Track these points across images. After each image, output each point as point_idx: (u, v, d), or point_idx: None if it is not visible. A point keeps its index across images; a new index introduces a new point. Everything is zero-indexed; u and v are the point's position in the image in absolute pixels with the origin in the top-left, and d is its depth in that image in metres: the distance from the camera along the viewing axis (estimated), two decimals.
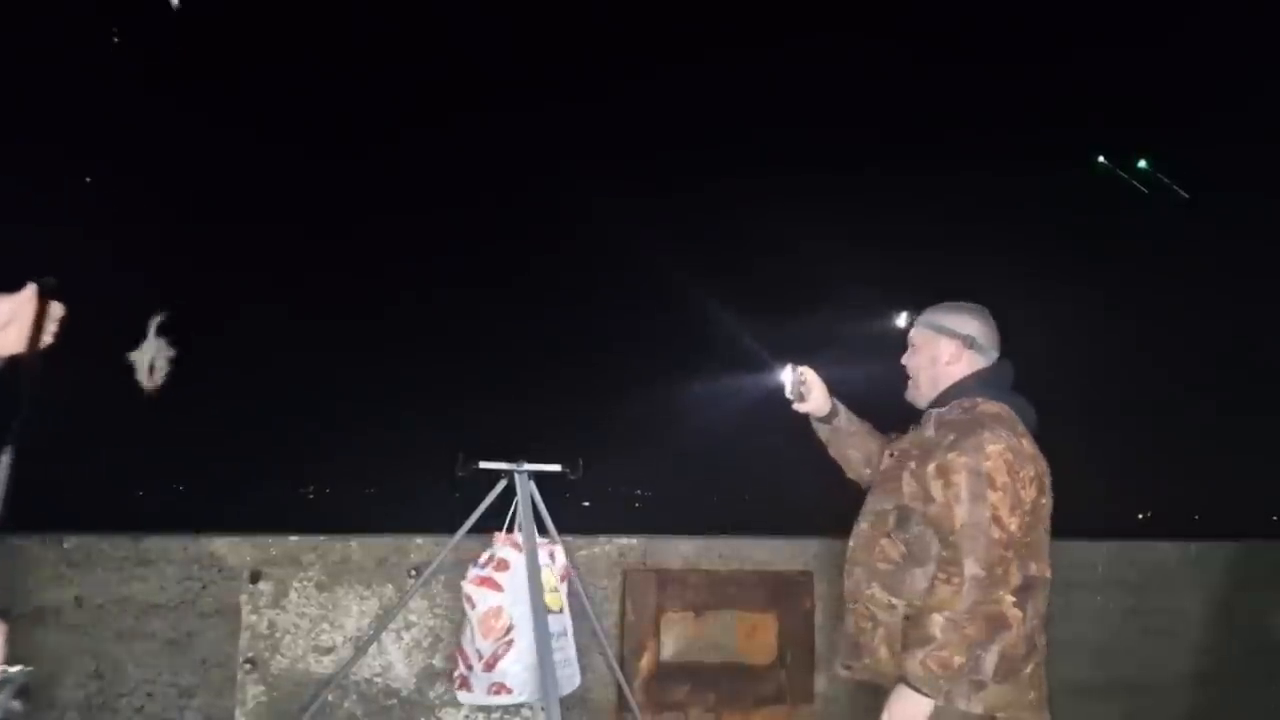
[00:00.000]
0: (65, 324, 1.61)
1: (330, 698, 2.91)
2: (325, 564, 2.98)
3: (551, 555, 2.88)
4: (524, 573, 2.74)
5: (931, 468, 2.18)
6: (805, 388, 2.53)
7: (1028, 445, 2.18)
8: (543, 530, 2.89)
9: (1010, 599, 2.05)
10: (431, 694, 3.02)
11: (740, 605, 3.25)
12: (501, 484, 2.89)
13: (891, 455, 2.39)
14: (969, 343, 2.34)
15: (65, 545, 2.76)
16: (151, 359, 1.80)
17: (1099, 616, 3.68)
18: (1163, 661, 3.76)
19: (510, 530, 2.86)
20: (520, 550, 2.79)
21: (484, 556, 2.83)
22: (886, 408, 2.57)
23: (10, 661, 1.41)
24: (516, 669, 2.72)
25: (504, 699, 2.75)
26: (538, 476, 2.91)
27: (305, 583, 2.95)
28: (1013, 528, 2.07)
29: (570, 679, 2.84)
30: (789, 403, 2.56)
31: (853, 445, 2.58)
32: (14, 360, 1.55)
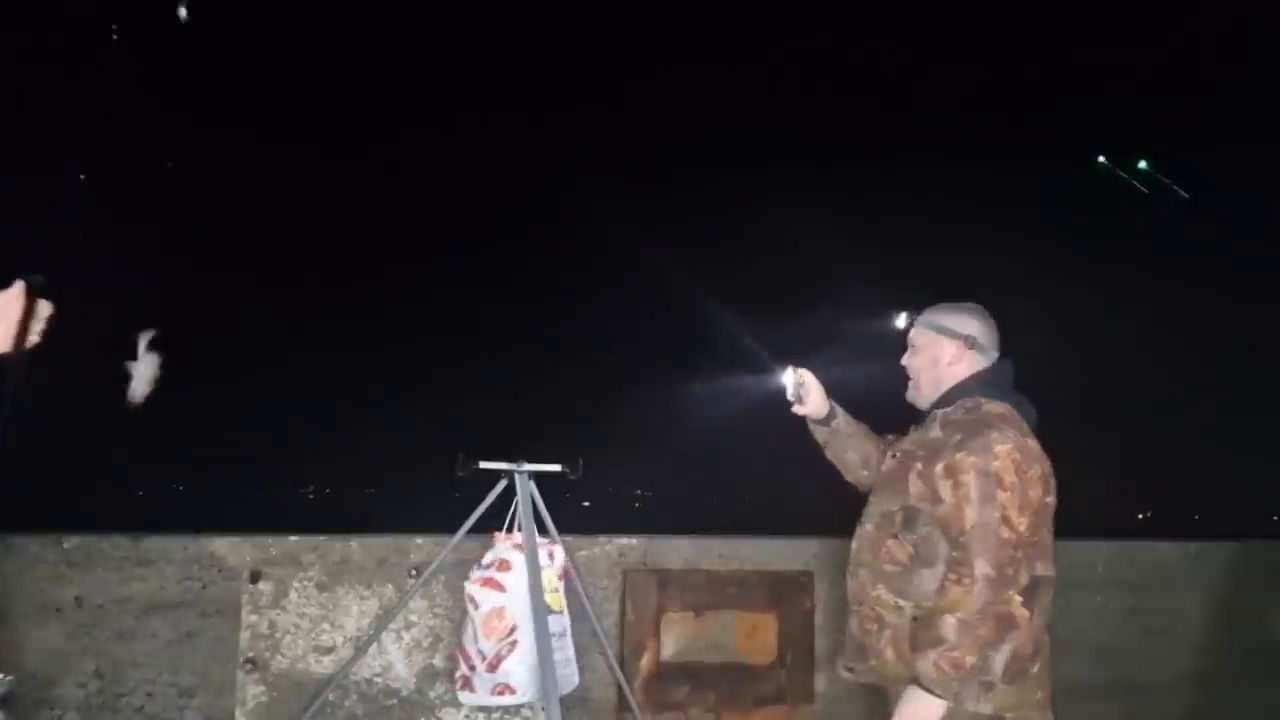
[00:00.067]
0: (53, 322, 1.57)
1: (330, 698, 2.91)
2: (325, 564, 2.98)
3: (551, 555, 2.88)
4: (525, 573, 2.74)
5: (939, 468, 2.17)
6: (804, 390, 2.53)
7: (1034, 445, 2.18)
8: (543, 530, 2.89)
9: (1018, 599, 2.05)
10: (431, 694, 3.02)
11: (740, 605, 3.25)
12: (501, 484, 2.89)
13: (894, 456, 2.38)
14: (970, 343, 2.34)
15: (65, 545, 2.76)
16: (141, 373, 1.79)
17: (1099, 616, 3.68)
18: (1163, 661, 3.76)
19: (510, 530, 2.86)
20: (522, 550, 2.79)
21: (488, 557, 2.83)
22: (886, 408, 2.57)
23: (5, 664, 1.40)
24: (521, 670, 2.72)
25: (508, 699, 2.75)
26: (538, 476, 2.91)
27: (305, 583, 2.96)
28: (1022, 527, 2.06)
29: (569, 679, 2.84)
30: (789, 404, 2.56)
31: (850, 447, 2.57)
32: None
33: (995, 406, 2.24)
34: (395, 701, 2.99)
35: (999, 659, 2.02)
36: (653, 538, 3.29)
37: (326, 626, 2.96)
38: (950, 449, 2.17)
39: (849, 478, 2.61)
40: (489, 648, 2.72)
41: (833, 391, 2.57)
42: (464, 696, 2.83)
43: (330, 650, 2.95)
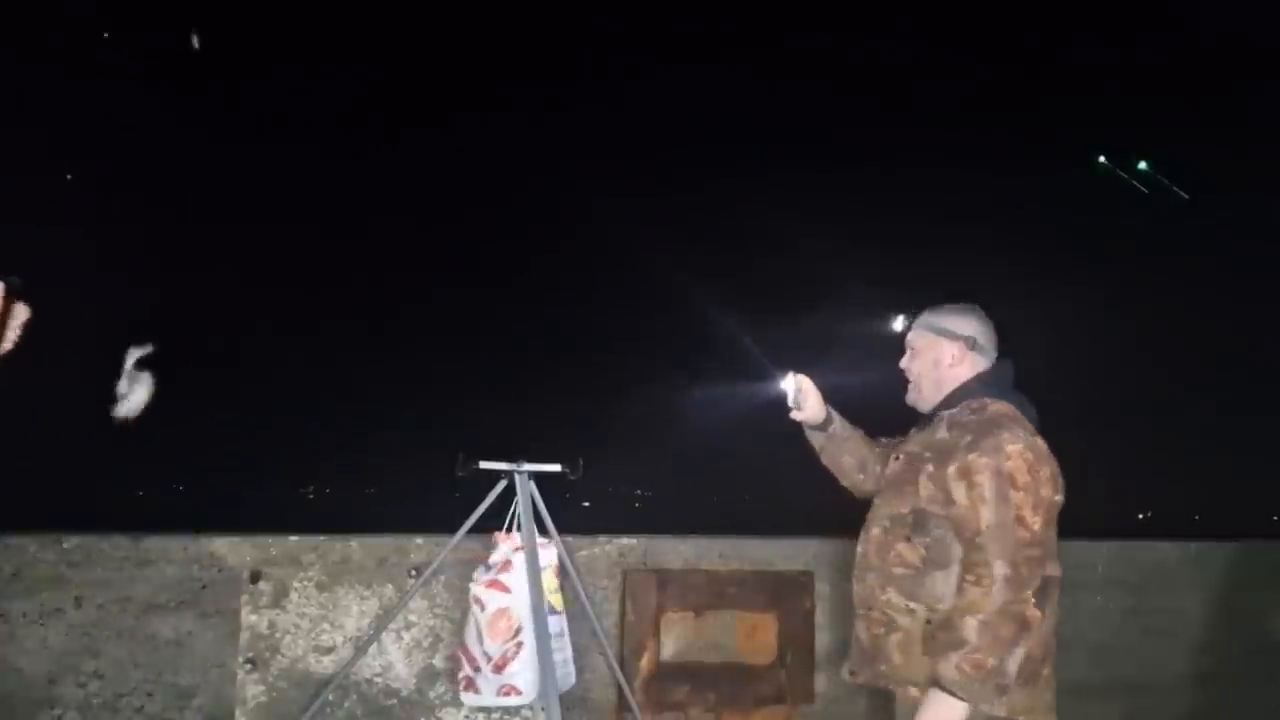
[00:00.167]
0: (30, 326, 1.48)
1: (330, 698, 2.91)
2: (325, 564, 2.98)
3: (555, 556, 2.89)
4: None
5: (952, 470, 2.16)
6: (801, 396, 2.53)
7: (1042, 444, 2.18)
8: (543, 530, 2.89)
9: (1032, 600, 2.05)
10: (431, 694, 3.02)
11: (740, 605, 3.25)
12: (501, 484, 2.89)
13: (898, 458, 2.37)
14: (971, 344, 2.34)
15: (65, 545, 2.75)
16: (129, 400, 1.78)
17: (1099, 616, 3.68)
18: (1163, 661, 3.76)
19: (510, 530, 2.86)
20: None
21: (494, 558, 2.83)
22: (886, 409, 2.57)
23: (5, 664, 1.39)
24: (526, 671, 2.71)
25: (513, 700, 2.75)
26: (538, 476, 2.91)
27: (305, 583, 2.96)
28: (1036, 526, 2.06)
29: (566, 678, 2.85)
30: (789, 410, 2.56)
31: (847, 451, 2.57)
32: None
33: (1001, 407, 2.24)
34: (395, 701, 2.99)
35: (1013, 661, 2.02)
36: (653, 538, 3.29)
37: (326, 626, 2.96)
38: (961, 450, 2.16)
39: (845, 482, 2.61)
40: (494, 649, 2.72)
41: (831, 393, 2.57)
42: (467, 698, 2.82)
43: (330, 650, 2.95)
